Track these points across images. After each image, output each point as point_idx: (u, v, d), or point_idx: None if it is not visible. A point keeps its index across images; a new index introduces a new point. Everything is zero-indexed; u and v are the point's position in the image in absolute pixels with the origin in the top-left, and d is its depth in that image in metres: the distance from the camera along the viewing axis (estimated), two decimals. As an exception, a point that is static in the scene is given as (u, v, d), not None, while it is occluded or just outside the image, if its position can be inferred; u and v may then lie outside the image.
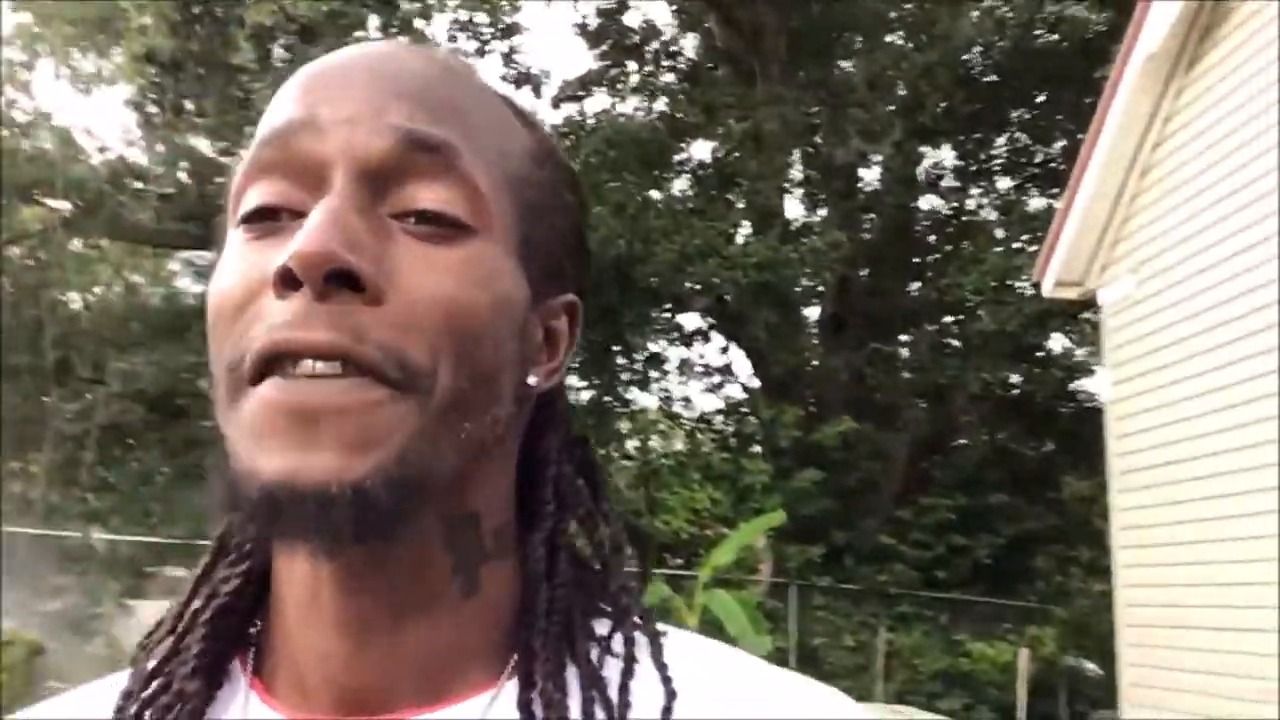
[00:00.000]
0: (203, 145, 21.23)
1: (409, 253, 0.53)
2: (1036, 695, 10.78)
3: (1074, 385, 15.91)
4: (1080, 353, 15.51)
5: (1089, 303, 9.14)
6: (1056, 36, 15.23)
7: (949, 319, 16.21)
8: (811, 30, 18.29)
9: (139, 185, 19.65)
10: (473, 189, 0.55)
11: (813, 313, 16.94)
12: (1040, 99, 16.54)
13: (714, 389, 16.76)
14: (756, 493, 12.84)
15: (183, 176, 20.39)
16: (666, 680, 0.56)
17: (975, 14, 15.54)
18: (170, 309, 19.82)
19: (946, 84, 15.14)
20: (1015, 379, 15.23)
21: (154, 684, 0.59)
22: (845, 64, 18.05)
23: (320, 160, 0.54)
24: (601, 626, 0.60)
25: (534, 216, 0.59)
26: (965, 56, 15.45)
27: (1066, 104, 15.58)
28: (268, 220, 0.55)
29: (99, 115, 19.90)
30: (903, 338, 16.47)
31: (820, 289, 15.98)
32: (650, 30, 17.81)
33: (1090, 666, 11.83)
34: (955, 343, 15.58)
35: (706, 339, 16.57)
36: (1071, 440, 15.53)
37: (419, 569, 0.56)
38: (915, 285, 17.42)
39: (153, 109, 19.96)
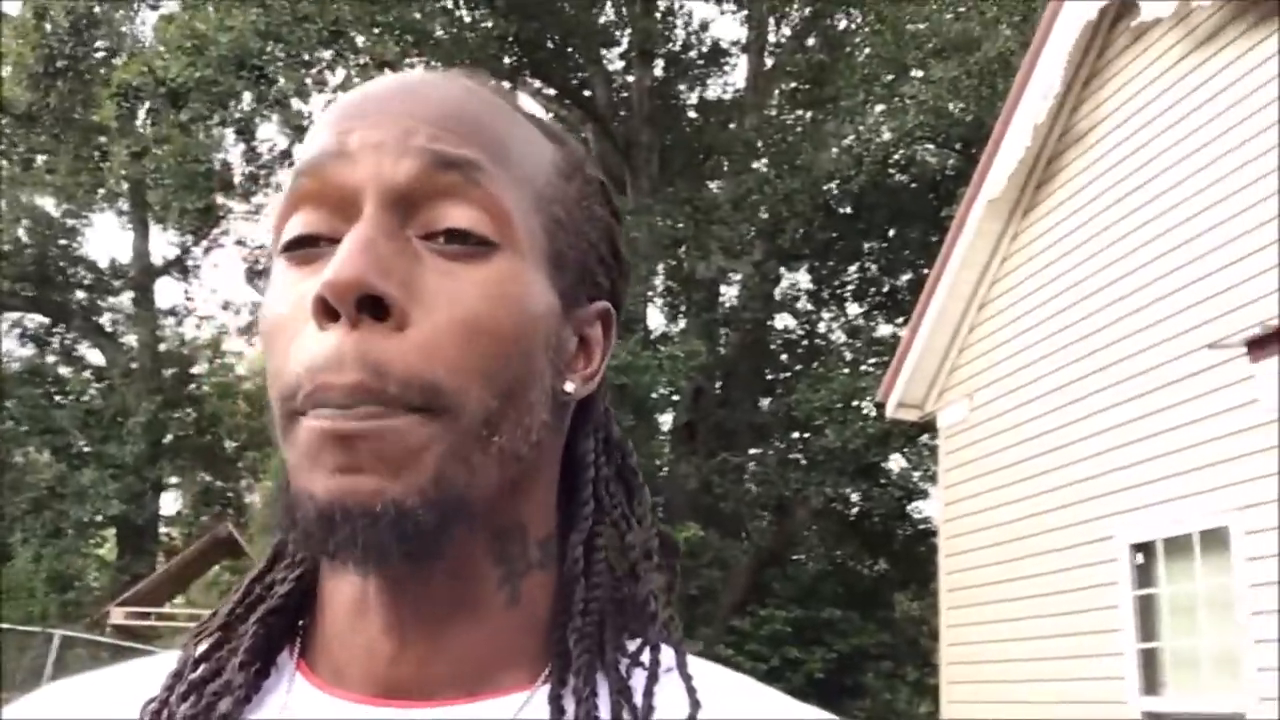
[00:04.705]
0: (48, 204, 20.34)
1: (436, 273, 0.55)
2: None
3: (910, 507, 16.52)
4: (917, 475, 16.14)
5: (928, 426, 9.58)
6: (908, 177, 16.21)
7: (796, 434, 16.66)
8: (683, 149, 18.99)
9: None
10: (498, 206, 0.56)
11: (666, 420, 17.17)
12: (891, 233, 17.49)
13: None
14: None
15: (21, 234, 19.45)
16: (691, 690, 0.58)
17: (835, 150, 16.42)
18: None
19: (806, 211, 15.87)
20: (855, 497, 15.69)
21: (202, 668, 0.61)
22: (712, 184, 18.75)
23: (351, 188, 0.56)
24: (630, 641, 0.61)
25: (561, 230, 0.61)
26: (825, 187, 16.25)
27: (914, 239, 16.51)
28: (308, 247, 0.57)
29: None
30: (751, 450, 16.82)
31: (675, 397, 16.25)
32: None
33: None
34: (800, 458, 15.99)
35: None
36: (905, 560, 16.04)
37: (465, 578, 0.57)
38: (766, 400, 17.91)
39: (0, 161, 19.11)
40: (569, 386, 0.61)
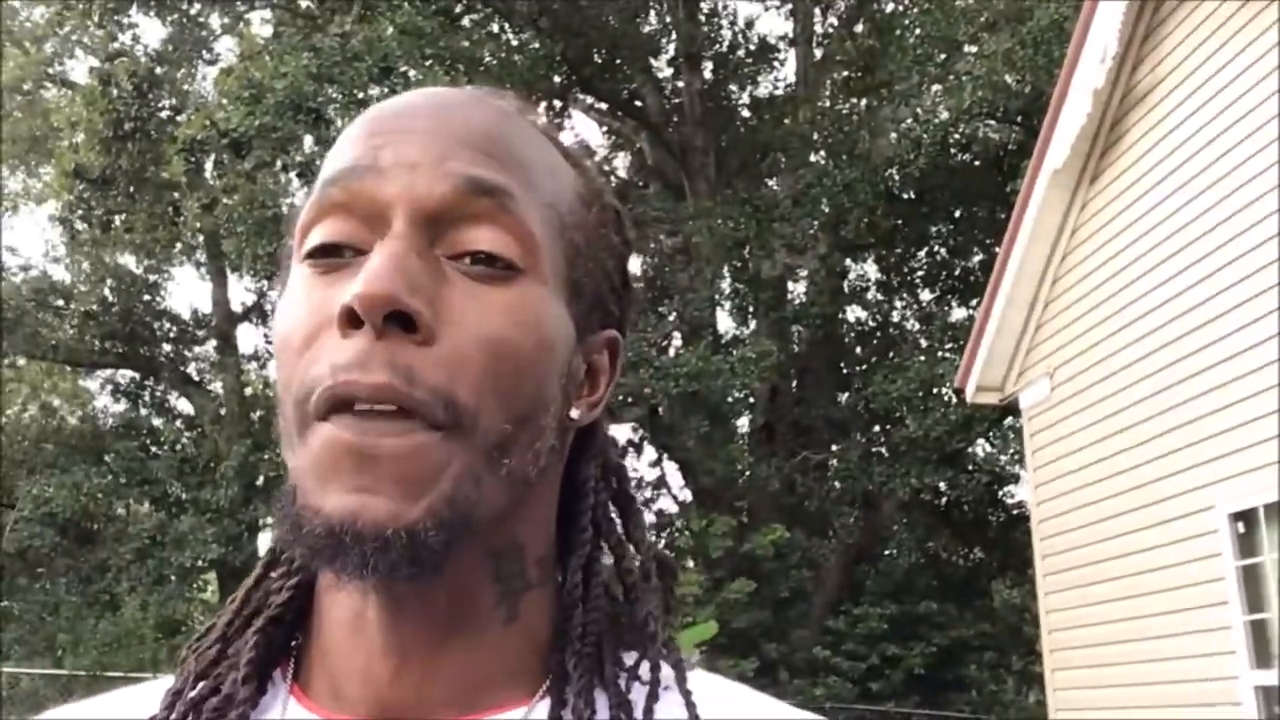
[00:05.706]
0: (129, 262, 21.01)
1: (461, 293, 0.56)
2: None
3: (1001, 492, 16.15)
4: (1004, 459, 15.80)
5: (1010, 408, 9.35)
6: (970, 155, 15.89)
7: (876, 427, 16.43)
8: (738, 149, 18.89)
9: (61, 303, 19.34)
10: (525, 232, 0.57)
11: (743, 423, 17.06)
12: (957, 214, 17.16)
13: (646, 504, 16.68)
14: (689, 605, 12.70)
15: (107, 294, 20.10)
16: (691, 705, 0.58)
17: (893, 135, 16.18)
18: (87, 429, 19.33)
19: (868, 200, 15.65)
20: (942, 486, 15.38)
21: (201, 685, 0.61)
22: (771, 182, 18.61)
23: (383, 202, 0.56)
24: (629, 656, 0.61)
25: (580, 258, 0.62)
26: (885, 174, 16.02)
27: (982, 219, 16.18)
28: (332, 256, 0.58)
29: (23, 233, 19.71)
30: (832, 446, 16.63)
31: (751, 399, 16.13)
32: (584, 150, 18.27)
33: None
34: (883, 450, 15.75)
35: (639, 451, 16.55)
36: (1000, 547, 15.69)
37: (464, 597, 0.58)
38: (843, 395, 17.69)
39: (80, 225, 19.78)
40: (575, 413, 0.62)
